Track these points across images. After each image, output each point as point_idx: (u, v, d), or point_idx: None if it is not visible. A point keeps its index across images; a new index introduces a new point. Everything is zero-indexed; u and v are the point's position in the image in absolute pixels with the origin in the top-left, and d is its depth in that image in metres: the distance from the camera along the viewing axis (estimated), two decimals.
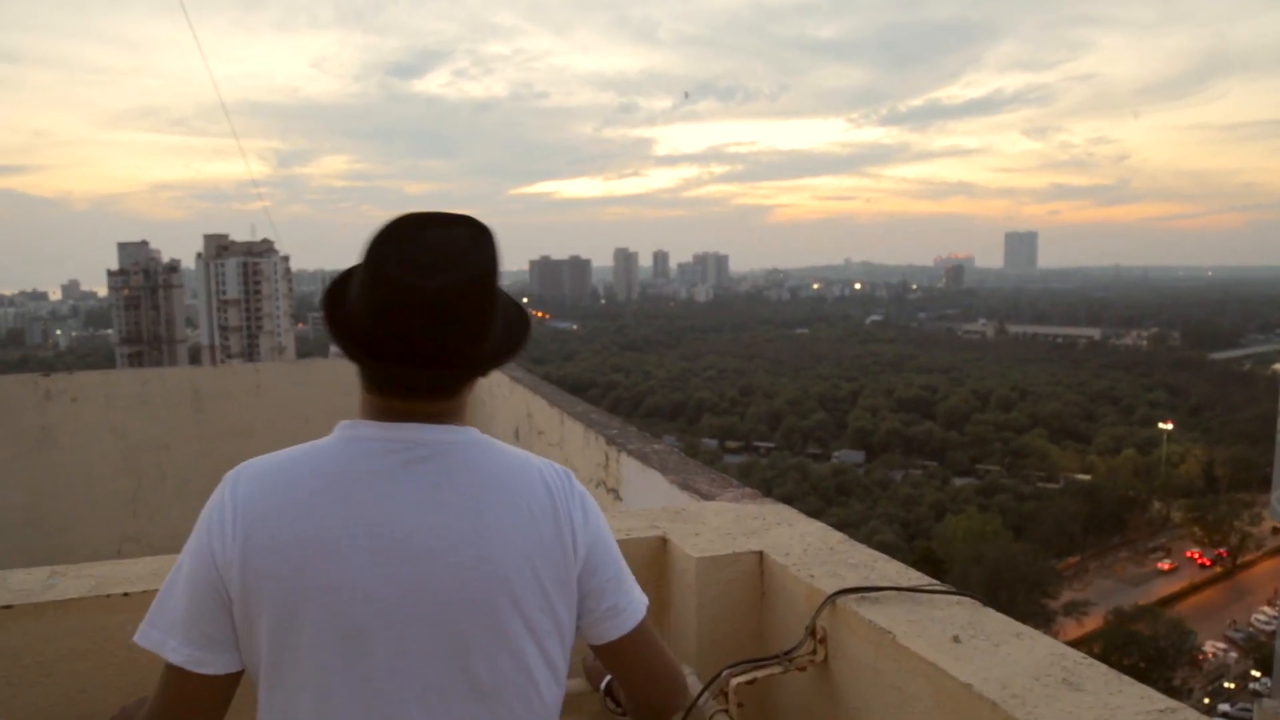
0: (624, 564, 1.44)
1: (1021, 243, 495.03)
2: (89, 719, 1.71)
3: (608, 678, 1.70)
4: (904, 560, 2.11)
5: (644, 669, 1.46)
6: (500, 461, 1.34)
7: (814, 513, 2.37)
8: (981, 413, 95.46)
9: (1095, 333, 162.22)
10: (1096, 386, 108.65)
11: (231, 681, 1.26)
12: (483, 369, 1.32)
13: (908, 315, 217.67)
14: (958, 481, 78.88)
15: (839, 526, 2.39)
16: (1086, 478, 73.59)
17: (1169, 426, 78.86)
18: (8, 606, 1.78)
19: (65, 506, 6.38)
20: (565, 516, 1.33)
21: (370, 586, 1.22)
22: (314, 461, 1.27)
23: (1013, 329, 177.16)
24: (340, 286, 1.31)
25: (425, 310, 1.20)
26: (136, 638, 1.24)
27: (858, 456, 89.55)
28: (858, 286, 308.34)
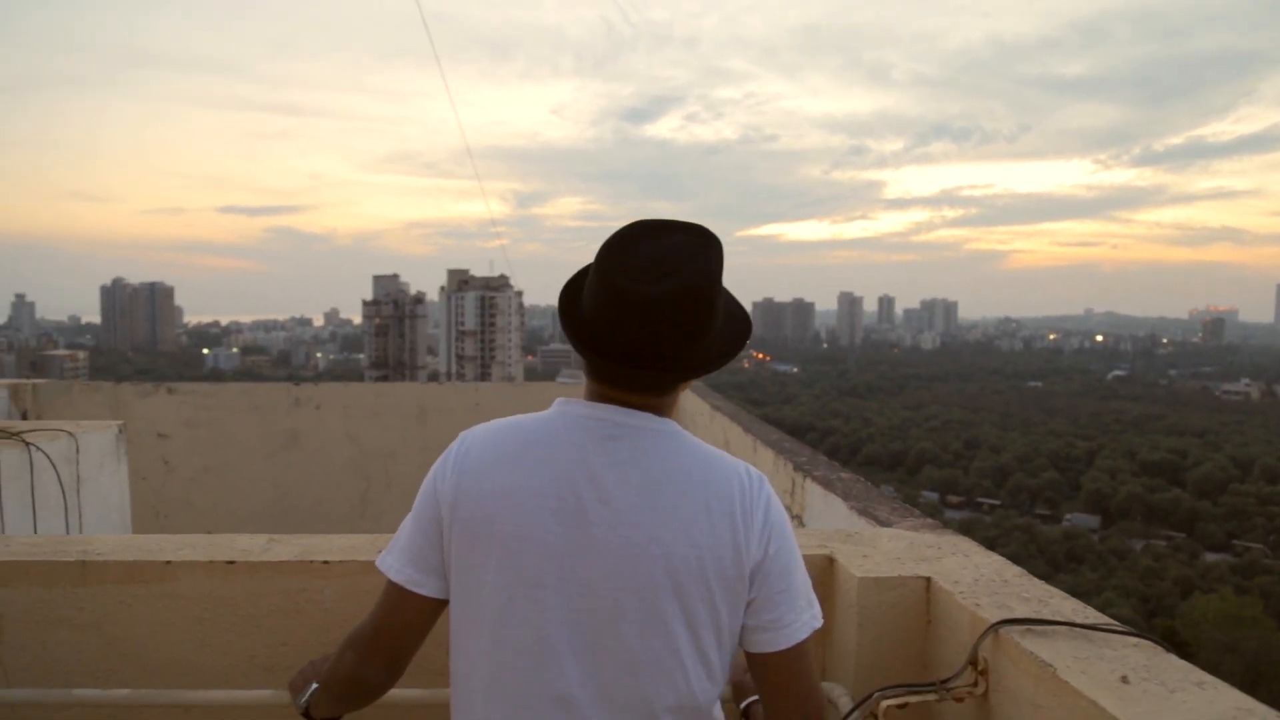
0: (800, 582, 1.43)
1: None
2: (286, 668, 1.91)
3: (750, 699, 1.69)
4: None
5: (789, 690, 1.43)
6: (691, 454, 1.40)
7: (1041, 577, 2.22)
8: (1241, 483, 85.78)
9: None
10: None
11: (437, 608, 1.44)
12: (699, 371, 1.40)
13: (1156, 371, 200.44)
14: (1209, 557, 71.16)
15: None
16: None
17: None
18: (231, 562, 2.05)
19: (305, 503, 7.08)
20: (745, 519, 1.37)
21: (548, 542, 1.33)
22: (526, 427, 1.42)
23: None
24: (575, 286, 1.43)
25: (644, 315, 1.29)
26: (376, 561, 1.47)
27: (1092, 521, 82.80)
28: (1099, 339, 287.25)
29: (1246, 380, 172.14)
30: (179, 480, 7.28)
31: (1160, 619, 50.35)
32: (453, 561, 1.39)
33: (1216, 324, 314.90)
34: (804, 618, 1.41)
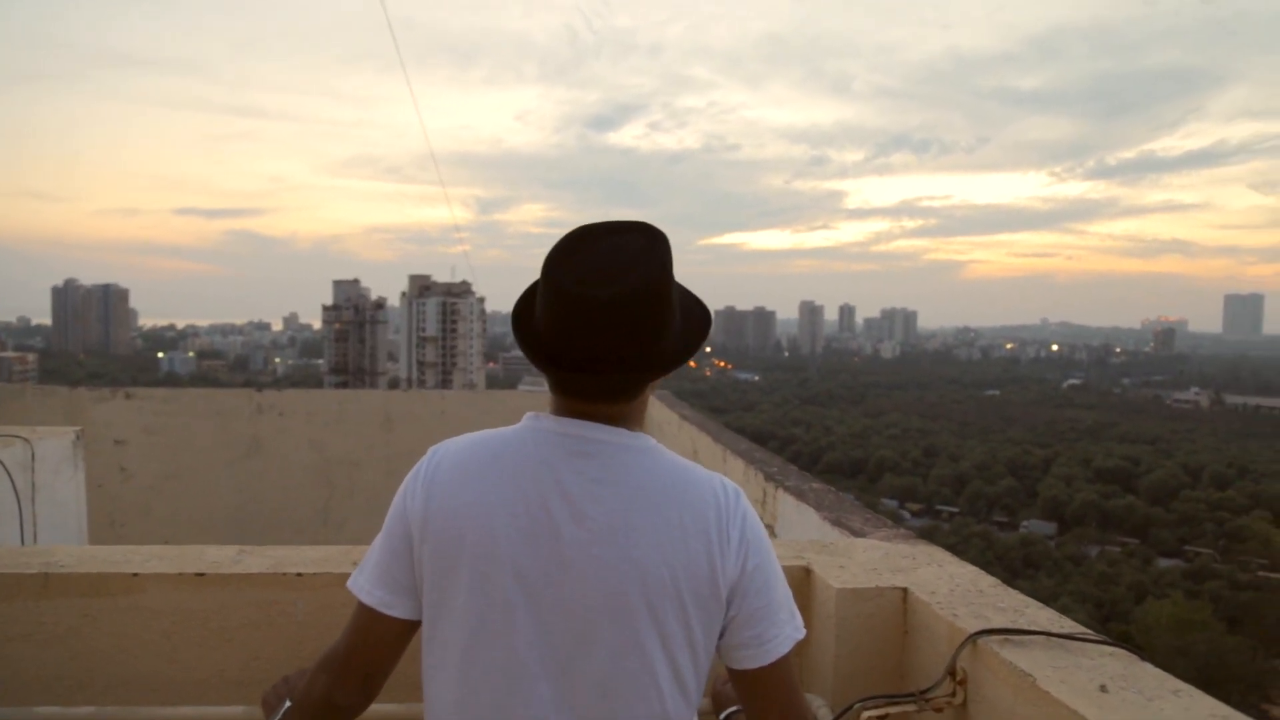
0: (781, 595, 1.41)
1: (1244, 306, 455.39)
2: (258, 683, 1.88)
3: (731, 709, 1.68)
4: None
5: (773, 704, 1.41)
6: (664, 469, 1.37)
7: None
8: (1192, 489, 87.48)
9: None
10: None
11: (410, 629, 1.41)
12: (664, 369, 1.37)
13: (1110, 380, 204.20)
14: (1162, 563, 72.44)
15: None
16: None
17: None
18: (200, 574, 2.00)
19: (266, 510, 6.97)
20: (721, 536, 1.34)
21: (519, 562, 1.31)
22: (496, 443, 1.39)
23: (1231, 400, 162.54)
24: (527, 300, 1.40)
25: (599, 319, 1.27)
26: (348, 583, 1.43)
27: (1049, 528, 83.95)
28: (1055, 348, 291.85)
29: (1196, 389, 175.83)
30: (137, 487, 7.14)
31: (1115, 624, 51.18)
32: (424, 581, 1.36)
33: (1167, 334, 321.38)
34: (786, 631, 1.39)
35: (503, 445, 1.38)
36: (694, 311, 1.42)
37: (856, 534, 2.74)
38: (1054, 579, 64.52)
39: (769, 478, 3.82)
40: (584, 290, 1.26)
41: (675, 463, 1.40)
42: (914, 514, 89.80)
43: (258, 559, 2.10)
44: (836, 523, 2.89)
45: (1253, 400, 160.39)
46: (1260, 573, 68.30)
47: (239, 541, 2.22)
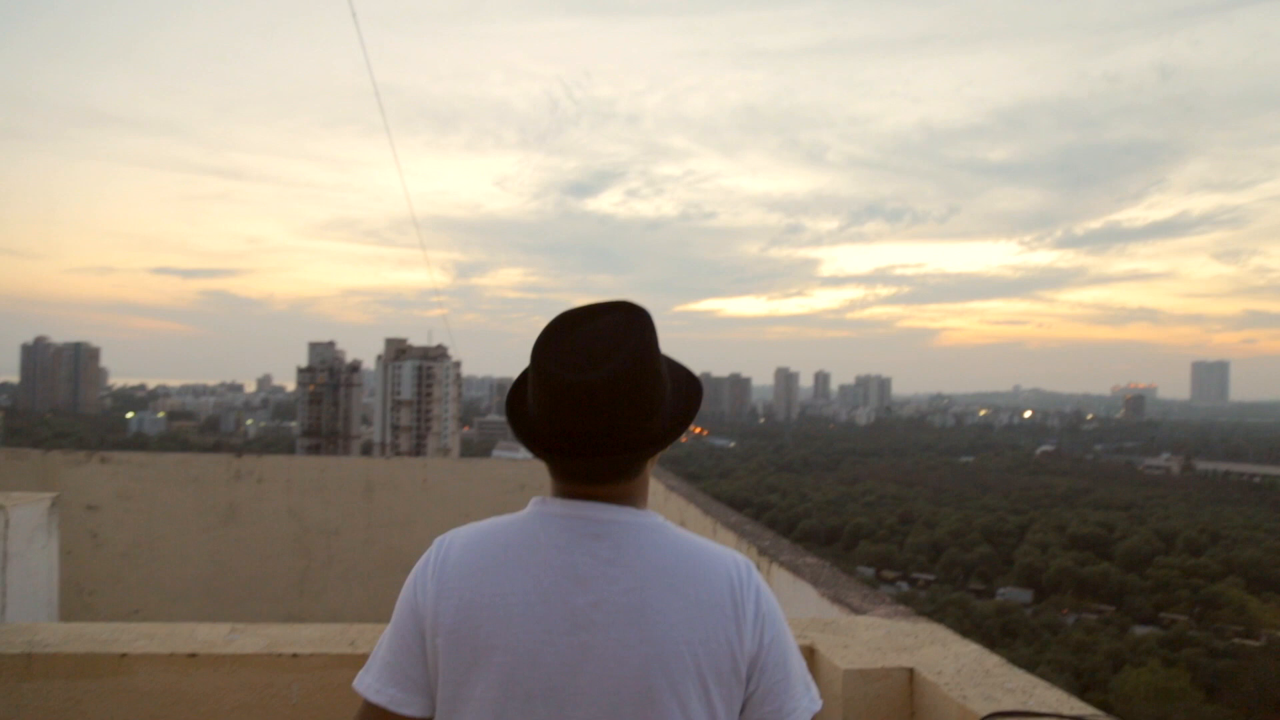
0: (797, 667, 1.41)
1: (1211, 373, 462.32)
2: None
3: None
4: None
5: None
6: (677, 547, 1.36)
7: None
8: (1166, 555, 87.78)
9: None
10: None
11: None
12: (660, 445, 1.37)
13: (1082, 446, 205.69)
14: (1138, 630, 72.25)
15: None
16: None
17: None
18: (193, 655, 1.94)
19: (242, 579, 6.80)
20: (738, 612, 1.33)
21: (537, 652, 1.28)
22: (506, 530, 1.37)
23: (1201, 465, 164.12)
24: (519, 390, 1.42)
25: (590, 403, 1.27)
26: (354, 684, 1.37)
27: (1025, 595, 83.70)
28: (1027, 414, 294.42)
29: (1167, 454, 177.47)
30: (108, 555, 6.95)
31: (1094, 693, 50.72)
32: (438, 675, 1.33)
33: (1137, 400, 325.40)
34: (803, 704, 1.38)
35: (512, 534, 1.37)
36: (685, 384, 1.43)
37: (857, 611, 2.71)
38: (1031, 647, 64.06)
39: (762, 551, 3.78)
40: (571, 376, 1.28)
41: (686, 539, 1.39)
42: (890, 581, 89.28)
43: (252, 638, 2.04)
44: (836, 599, 2.86)
45: (1222, 466, 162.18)
46: (1236, 639, 68.21)
47: (213, 612, 2.16)
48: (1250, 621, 71.74)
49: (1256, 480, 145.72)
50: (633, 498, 1.39)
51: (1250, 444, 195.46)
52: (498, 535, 1.37)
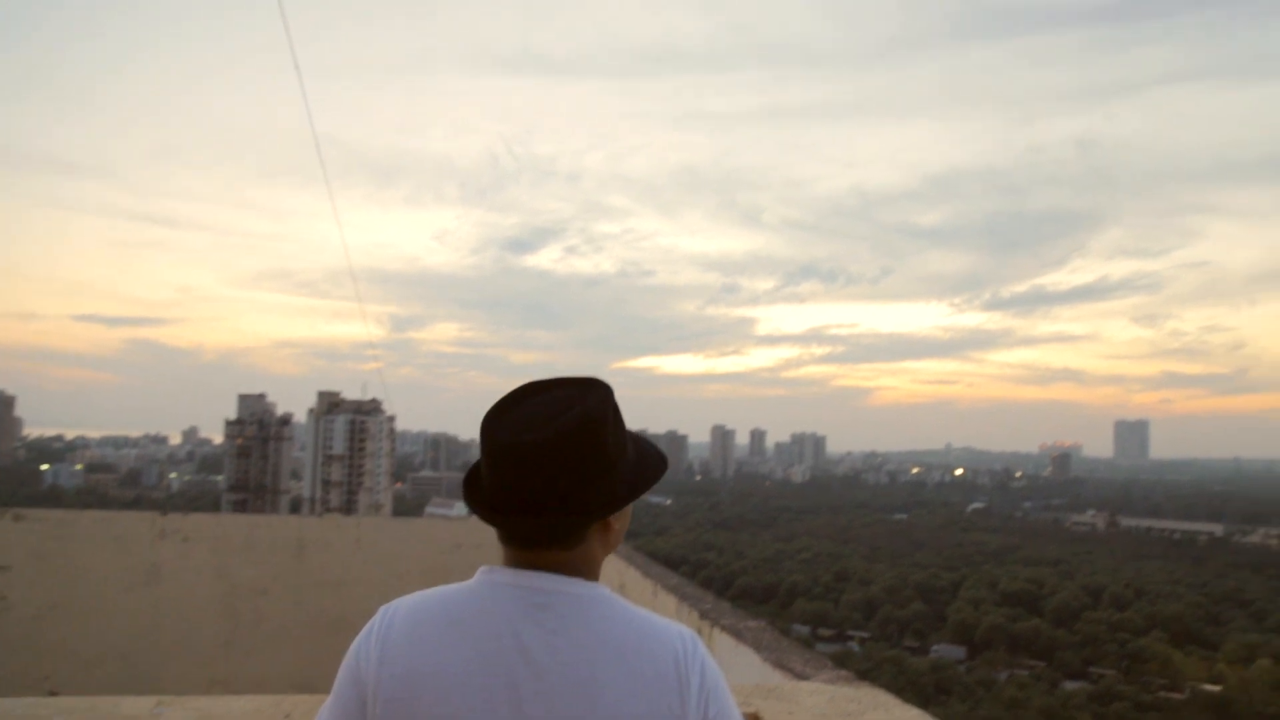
0: None
1: (1132, 432, 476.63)
2: None
3: None
4: None
5: None
6: (623, 620, 1.36)
7: None
8: (1094, 610, 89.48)
9: (1217, 528, 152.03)
10: (1222, 588, 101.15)
11: None
12: (604, 510, 1.36)
13: (1011, 504, 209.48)
14: (1069, 685, 73.18)
15: None
16: (1216, 688, 67.33)
17: None
18: None
19: (163, 643, 6.52)
20: (682, 684, 1.33)
21: None
22: (451, 599, 1.36)
23: (1125, 521, 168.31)
24: (476, 468, 1.41)
25: (533, 462, 1.29)
26: None
27: (958, 652, 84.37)
28: (959, 472, 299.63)
29: (1092, 511, 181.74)
30: (19, 618, 6.63)
31: None
32: None
33: (1064, 459, 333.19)
34: None
35: (458, 603, 1.35)
36: (649, 454, 1.44)
37: (800, 676, 2.70)
38: (966, 704, 64.48)
39: (704, 615, 3.76)
40: (516, 438, 1.29)
41: (632, 612, 1.39)
42: (825, 639, 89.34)
43: (179, 712, 1.95)
44: (778, 664, 2.85)
45: (1144, 522, 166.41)
46: (1161, 693, 69.46)
47: (131, 679, 2.07)
48: (1175, 675, 73.16)
49: (1176, 536, 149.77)
50: (580, 568, 1.38)
51: (1169, 501, 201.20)
52: (443, 604, 1.35)
